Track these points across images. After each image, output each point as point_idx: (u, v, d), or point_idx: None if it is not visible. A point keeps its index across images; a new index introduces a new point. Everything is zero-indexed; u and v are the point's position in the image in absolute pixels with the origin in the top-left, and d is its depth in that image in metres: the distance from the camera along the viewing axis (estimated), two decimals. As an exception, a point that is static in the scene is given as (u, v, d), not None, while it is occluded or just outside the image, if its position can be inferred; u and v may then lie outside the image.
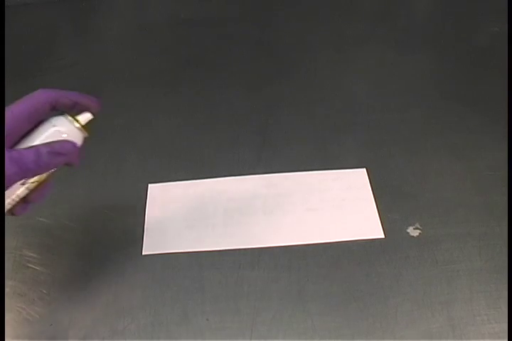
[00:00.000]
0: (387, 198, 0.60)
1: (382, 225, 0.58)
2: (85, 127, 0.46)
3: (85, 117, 0.46)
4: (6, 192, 0.44)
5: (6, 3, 0.82)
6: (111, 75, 0.79)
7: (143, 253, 0.56)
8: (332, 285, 0.53)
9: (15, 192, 0.45)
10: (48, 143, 0.44)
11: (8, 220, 0.54)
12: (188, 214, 0.60)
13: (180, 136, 0.69)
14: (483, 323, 0.50)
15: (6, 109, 0.45)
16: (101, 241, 0.58)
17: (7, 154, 0.42)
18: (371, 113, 0.71)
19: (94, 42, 0.87)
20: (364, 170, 0.63)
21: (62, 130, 0.45)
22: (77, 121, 0.45)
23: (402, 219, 0.58)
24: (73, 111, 0.46)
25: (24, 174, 0.43)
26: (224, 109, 0.73)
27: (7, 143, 0.43)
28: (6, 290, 0.53)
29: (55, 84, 0.78)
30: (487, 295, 0.52)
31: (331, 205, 0.60)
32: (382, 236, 0.57)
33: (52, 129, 0.44)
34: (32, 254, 0.57)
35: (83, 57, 0.83)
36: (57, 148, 0.44)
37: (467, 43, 0.81)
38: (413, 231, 0.57)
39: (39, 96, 0.46)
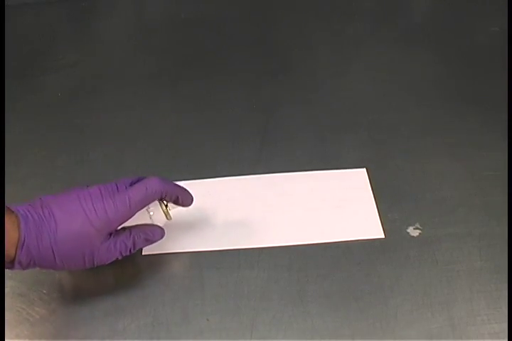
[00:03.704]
0: (387, 198, 0.60)
1: (382, 225, 0.58)
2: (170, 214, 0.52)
3: (174, 207, 0.52)
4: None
5: (6, 3, 0.82)
6: (111, 75, 0.79)
7: (143, 253, 0.56)
8: (332, 285, 0.53)
9: None
10: (143, 229, 0.50)
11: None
12: (188, 214, 0.59)
13: (180, 136, 0.69)
14: (483, 323, 0.50)
15: (123, 192, 0.48)
16: (101, 241, 0.58)
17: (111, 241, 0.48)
18: (371, 113, 0.71)
19: (94, 42, 0.87)
20: (364, 170, 0.63)
21: (152, 210, 0.51)
22: (167, 208, 0.51)
23: (402, 219, 0.58)
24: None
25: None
26: (224, 109, 0.73)
27: (114, 228, 0.48)
28: (6, 290, 0.53)
29: (55, 84, 0.79)
30: (487, 295, 0.52)
31: (331, 205, 0.60)
32: (382, 236, 0.57)
33: (145, 209, 0.50)
34: (32, 254, 0.57)
35: (83, 57, 0.83)
36: (149, 236, 0.51)
37: (467, 43, 0.81)
38: (413, 231, 0.57)
39: (155, 190, 0.49)
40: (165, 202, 0.51)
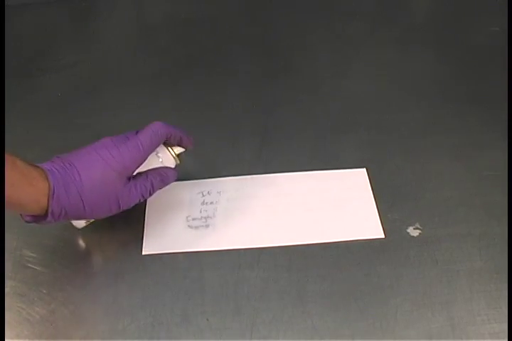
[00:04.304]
0: (387, 198, 0.60)
1: (382, 225, 0.58)
2: (178, 156, 0.57)
3: (179, 149, 0.57)
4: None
5: (6, 3, 0.82)
6: (111, 75, 0.79)
7: (143, 253, 0.56)
8: (332, 285, 0.53)
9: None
10: (157, 171, 0.54)
11: (8, 220, 0.54)
12: (188, 214, 0.60)
13: (180, 136, 0.69)
14: (483, 323, 0.50)
15: (133, 138, 0.52)
16: (101, 241, 0.58)
17: (132, 184, 0.51)
18: (371, 113, 0.71)
19: (94, 42, 0.87)
20: (364, 170, 0.63)
21: (160, 155, 0.55)
22: (173, 151, 0.56)
23: (402, 219, 0.58)
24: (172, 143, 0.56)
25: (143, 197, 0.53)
26: (224, 109, 0.73)
27: (132, 171, 0.51)
28: (6, 290, 0.53)
29: (55, 84, 0.79)
30: (487, 295, 0.52)
31: (331, 205, 0.60)
32: (382, 236, 0.57)
33: (154, 154, 0.54)
34: (32, 254, 0.57)
35: (83, 57, 0.83)
36: (164, 176, 0.54)
37: (467, 43, 0.81)
38: (413, 231, 0.57)
39: (160, 132, 0.53)
40: (170, 146, 0.56)
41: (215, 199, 0.61)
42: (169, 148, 0.56)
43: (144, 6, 0.94)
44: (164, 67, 0.80)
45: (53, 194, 0.46)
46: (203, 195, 0.61)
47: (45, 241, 0.58)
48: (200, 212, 0.60)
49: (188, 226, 0.59)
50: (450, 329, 0.49)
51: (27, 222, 0.49)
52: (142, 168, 0.53)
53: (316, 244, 0.56)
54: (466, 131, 0.67)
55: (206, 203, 0.60)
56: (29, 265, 0.56)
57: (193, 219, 0.59)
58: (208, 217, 0.59)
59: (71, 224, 0.56)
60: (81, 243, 0.58)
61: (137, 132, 0.53)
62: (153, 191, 0.53)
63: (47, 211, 0.47)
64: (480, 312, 0.51)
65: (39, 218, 0.48)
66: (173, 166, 0.56)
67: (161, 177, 0.54)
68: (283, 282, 0.54)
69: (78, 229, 0.56)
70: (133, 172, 0.52)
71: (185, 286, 0.54)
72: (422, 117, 0.70)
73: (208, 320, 0.51)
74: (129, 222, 0.59)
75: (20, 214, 0.49)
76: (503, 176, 0.61)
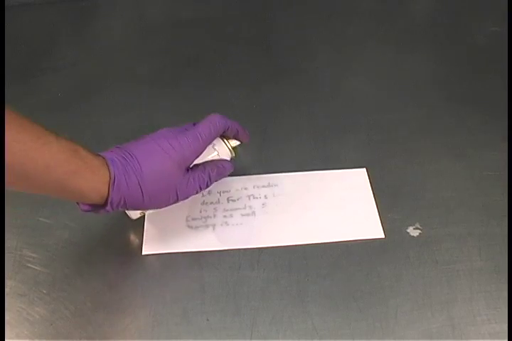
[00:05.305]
0: (387, 198, 0.60)
1: (382, 225, 0.58)
2: (234, 149, 0.57)
3: (235, 142, 0.58)
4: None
5: (6, 3, 0.82)
6: (111, 75, 0.79)
7: (143, 253, 0.56)
8: (332, 285, 0.53)
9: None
10: (214, 163, 0.55)
11: (8, 220, 0.54)
12: (187, 214, 0.60)
13: (180, 136, 0.69)
14: (483, 323, 0.50)
15: (192, 129, 0.53)
16: (101, 241, 0.58)
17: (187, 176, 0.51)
18: (371, 113, 0.71)
19: (94, 42, 0.87)
20: (364, 170, 0.63)
21: (217, 148, 0.56)
22: (229, 143, 0.57)
23: (402, 219, 0.58)
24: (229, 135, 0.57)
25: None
26: (224, 109, 0.72)
27: (191, 162, 0.52)
28: (6, 290, 0.53)
29: (55, 84, 0.79)
30: (487, 295, 0.52)
31: (331, 205, 0.60)
32: (382, 236, 0.57)
33: (210, 146, 0.55)
34: (32, 254, 0.57)
35: (83, 57, 0.83)
36: (221, 168, 0.55)
37: (467, 43, 0.81)
38: (413, 231, 0.57)
39: (219, 124, 0.54)
40: (226, 139, 0.56)
41: (215, 199, 0.61)
42: (225, 141, 0.56)
43: (145, 5, 0.94)
44: (164, 67, 0.80)
45: (114, 182, 0.46)
46: (203, 195, 0.61)
47: (45, 241, 0.58)
48: (200, 212, 0.60)
49: (188, 226, 0.59)
50: (450, 329, 0.50)
51: (84, 211, 0.48)
52: (198, 160, 0.53)
53: (316, 244, 0.56)
54: (466, 131, 0.67)
55: (206, 203, 0.60)
56: (29, 265, 0.56)
57: (193, 219, 0.59)
58: (207, 216, 0.59)
59: (70, 223, 0.56)
60: (81, 243, 0.58)
61: (195, 124, 0.54)
62: (211, 183, 0.53)
63: (107, 200, 0.47)
64: (480, 312, 0.51)
65: (97, 207, 0.48)
66: (228, 159, 0.57)
67: (218, 169, 0.54)
68: (283, 282, 0.54)
69: (132, 220, 0.56)
70: (191, 163, 0.52)
71: (185, 286, 0.54)
72: (421, 117, 0.70)
73: (208, 320, 0.51)
74: (129, 222, 0.59)
75: (77, 203, 0.49)
76: (503, 176, 0.61)
